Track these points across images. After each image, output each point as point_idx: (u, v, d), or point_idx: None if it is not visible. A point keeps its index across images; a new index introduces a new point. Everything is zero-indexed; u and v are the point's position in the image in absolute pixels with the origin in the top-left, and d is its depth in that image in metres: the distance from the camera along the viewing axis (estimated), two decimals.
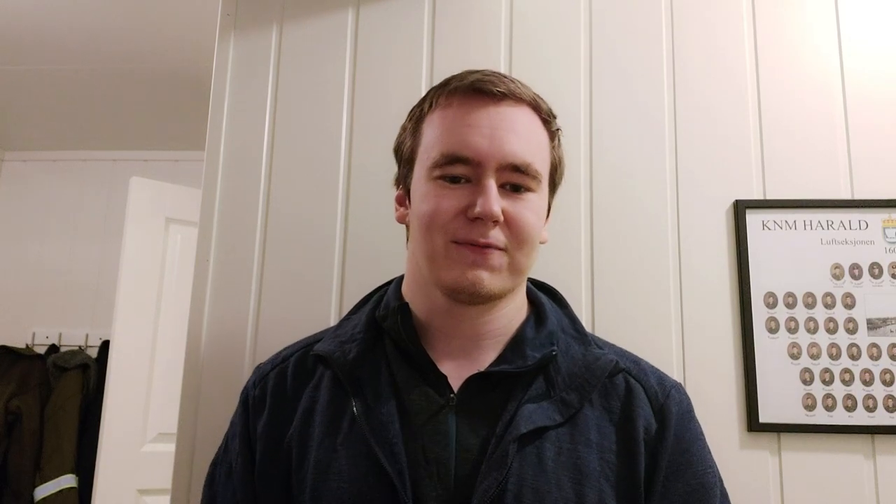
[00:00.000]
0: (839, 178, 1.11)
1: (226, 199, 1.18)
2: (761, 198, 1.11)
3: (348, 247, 1.14)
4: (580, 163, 1.14)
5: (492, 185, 0.68)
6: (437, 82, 0.76)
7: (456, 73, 0.75)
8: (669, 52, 1.18)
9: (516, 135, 0.70)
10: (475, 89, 0.71)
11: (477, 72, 0.73)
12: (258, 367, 0.82)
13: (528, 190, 0.71)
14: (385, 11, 1.23)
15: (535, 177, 0.70)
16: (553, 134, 0.76)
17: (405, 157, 0.76)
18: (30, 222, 2.99)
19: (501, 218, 0.68)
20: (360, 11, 1.23)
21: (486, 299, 0.71)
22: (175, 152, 2.95)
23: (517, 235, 0.69)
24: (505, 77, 0.72)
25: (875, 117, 1.13)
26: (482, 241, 0.67)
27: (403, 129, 0.78)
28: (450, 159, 0.69)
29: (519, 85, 0.73)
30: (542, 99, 0.75)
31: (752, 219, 1.10)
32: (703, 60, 1.17)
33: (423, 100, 0.76)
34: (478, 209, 0.67)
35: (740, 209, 1.10)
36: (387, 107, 1.18)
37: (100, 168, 3.03)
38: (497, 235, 0.68)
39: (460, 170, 0.69)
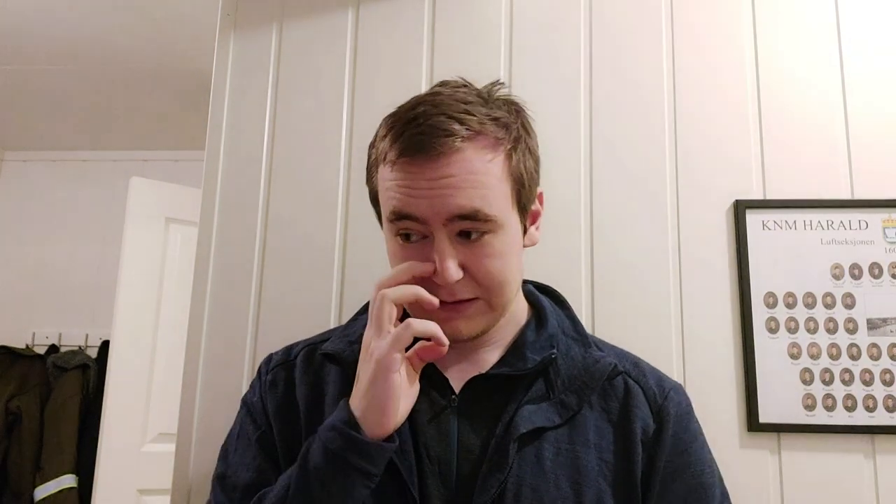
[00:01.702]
0: (839, 178, 1.11)
1: (226, 199, 1.18)
2: (761, 198, 1.11)
3: (348, 246, 1.14)
4: (580, 162, 1.14)
5: (444, 246, 0.65)
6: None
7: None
8: (669, 51, 1.18)
9: (458, 188, 0.65)
10: (410, 151, 0.66)
11: (415, 118, 0.67)
12: (269, 357, 0.83)
13: (486, 233, 0.67)
14: (385, 11, 1.23)
15: (486, 220, 0.66)
16: (510, 151, 0.69)
17: (372, 197, 0.76)
18: (30, 222, 2.99)
19: (461, 275, 0.66)
20: (359, 11, 1.23)
21: (471, 340, 0.71)
22: (175, 152, 2.95)
23: (483, 284, 0.68)
24: (444, 119, 0.65)
25: (875, 117, 1.13)
26: (450, 301, 0.67)
27: (368, 165, 0.76)
28: (399, 216, 0.67)
29: (457, 125, 0.65)
30: (490, 117, 0.68)
31: (752, 219, 1.10)
32: (702, 60, 1.17)
33: (374, 142, 0.74)
34: (436, 277, 0.65)
35: (740, 209, 1.10)
36: (386, 106, 1.17)
37: (100, 168, 3.03)
38: (463, 290, 0.67)
39: (411, 225, 0.67)
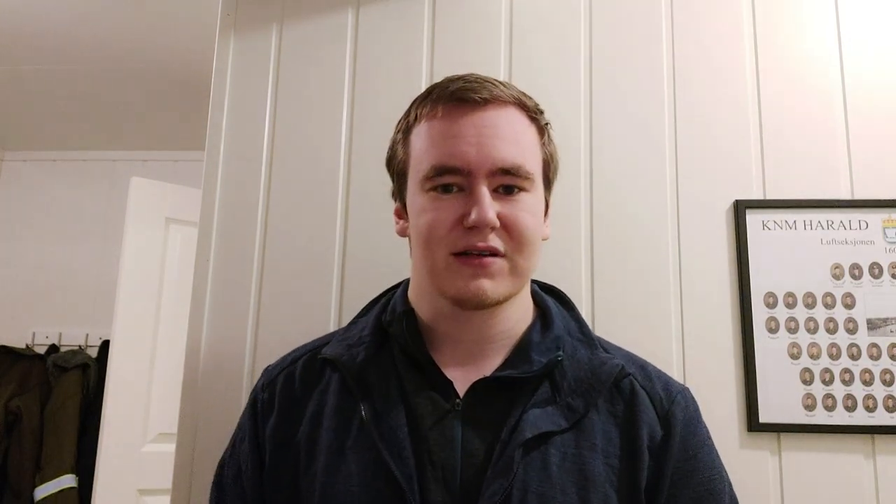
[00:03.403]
0: (839, 178, 1.11)
1: (226, 199, 1.18)
2: (761, 198, 1.11)
3: (348, 246, 1.14)
4: (580, 162, 1.14)
5: (484, 191, 0.67)
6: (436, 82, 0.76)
7: (450, 75, 0.75)
8: (669, 51, 1.18)
9: (503, 139, 0.69)
10: (457, 98, 0.70)
11: (458, 78, 0.72)
12: (266, 370, 0.82)
13: (522, 190, 0.70)
14: (385, 11, 1.23)
15: (526, 177, 0.70)
16: (542, 130, 0.75)
17: (398, 171, 0.76)
18: (30, 222, 2.99)
19: (497, 223, 0.67)
20: (360, 11, 1.23)
21: (492, 305, 0.71)
22: (175, 152, 2.95)
23: (516, 238, 0.69)
24: (487, 80, 0.72)
25: (875, 117, 1.13)
26: (481, 245, 0.67)
27: (393, 142, 0.78)
28: (440, 171, 0.69)
29: (502, 87, 0.72)
30: (527, 96, 0.75)
31: (752, 219, 1.10)
32: (702, 59, 1.17)
33: (409, 111, 0.76)
34: (473, 217, 0.66)
35: (740, 209, 1.10)
36: (387, 106, 1.18)
37: (100, 168, 3.03)
38: (496, 240, 0.68)
39: (451, 179, 0.69)
